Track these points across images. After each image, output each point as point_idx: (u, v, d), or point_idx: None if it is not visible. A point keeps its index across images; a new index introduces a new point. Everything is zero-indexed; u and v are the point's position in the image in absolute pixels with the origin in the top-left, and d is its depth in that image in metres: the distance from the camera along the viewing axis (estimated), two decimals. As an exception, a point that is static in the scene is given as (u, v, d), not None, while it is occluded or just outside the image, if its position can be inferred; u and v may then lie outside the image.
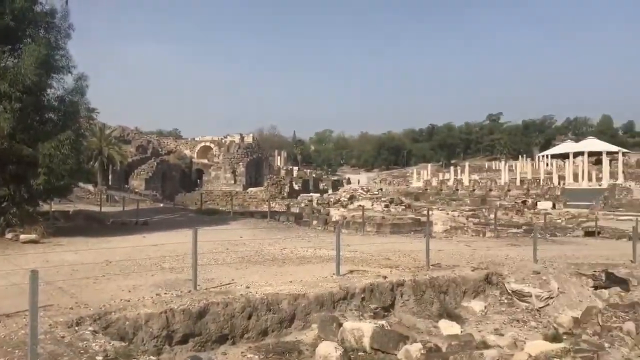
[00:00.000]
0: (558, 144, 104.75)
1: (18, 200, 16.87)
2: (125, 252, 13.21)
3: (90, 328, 7.14)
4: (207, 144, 71.13)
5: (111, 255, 12.80)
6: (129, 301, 8.43)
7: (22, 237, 15.70)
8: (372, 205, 37.42)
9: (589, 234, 25.54)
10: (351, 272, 11.67)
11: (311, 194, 51.12)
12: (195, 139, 74.82)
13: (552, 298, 11.90)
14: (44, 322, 6.90)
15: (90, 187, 42.73)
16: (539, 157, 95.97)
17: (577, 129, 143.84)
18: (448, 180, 71.86)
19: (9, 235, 16.17)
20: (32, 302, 5.47)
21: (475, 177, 75.20)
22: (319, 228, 25.63)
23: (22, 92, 16.16)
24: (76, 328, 7.06)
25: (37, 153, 16.48)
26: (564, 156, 77.64)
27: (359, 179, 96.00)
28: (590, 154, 71.10)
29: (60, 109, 18.39)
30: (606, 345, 8.32)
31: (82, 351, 6.31)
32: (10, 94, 15.96)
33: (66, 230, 19.32)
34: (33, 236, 15.85)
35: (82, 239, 16.90)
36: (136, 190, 50.85)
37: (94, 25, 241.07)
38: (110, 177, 50.54)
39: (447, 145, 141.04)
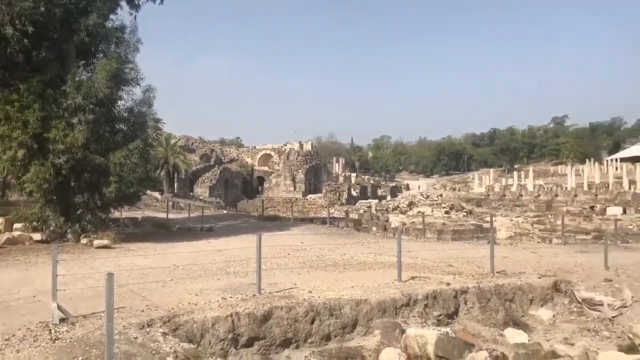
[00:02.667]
0: (628, 147, 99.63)
1: (92, 207, 17.71)
2: (192, 257, 13.65)
3: (161, 330, 7.40)
4: (268, 151, 72.24)
5: (178, 260, 13.24)
6: (196, 304, 8.68)
7: (96, 242, 16.47)
8: (432, 211, 36.87)
9: (665, 240, 24.14)
10: (413, 278, 11.57)
11: (369, 200, 50.90)
12: (256, 147, 76.14)
13: (625, 307, 11.35)
14: (118, 323, 7.20)
15: (157, 194, 44.34)
16: (607, 160, 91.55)
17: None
18: (511, 185, 69.78)
19: (84, 241, 17.01)
20: (108, 304, 5.72)
21: (539, 182, 72.68)
22: (379, 234, 25.50)
23: (95, 104, 17.06)
24: (148, 329, 7.33)
25: (108, 162, 17.28)
26: (634, 159, 73.65)
27: (418, 185, 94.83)
28: (664, 156, 67.28)
29: (129, 120, 19.24)
30: (687, 357, 7.90)
31: (153, 352, 6.56)
32: (85, 107, 16.87)
33: (136, 236, 20.11)
34: (105, 242, 16.59)
35: (150, 245, 17.55)
36: (200, 197, 52.30)
37: (157, 37, 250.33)
38: (175, 184, 52.29)
39: (510, 149, 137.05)
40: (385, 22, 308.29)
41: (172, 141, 52.72)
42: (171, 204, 40.29)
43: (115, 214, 22.45)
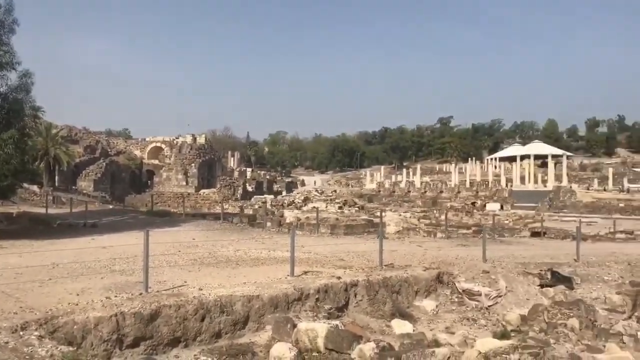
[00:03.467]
0: (506, 147, 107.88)
1: (-43, 201, 16.14)
2: (73, 255, 12.83)
3: (36, 333, 6.91)
4: (158, 144, 69.64)
5: (58, 258, 12.38)
6: (77, 304, 8.18)
7: (-38, 239, 15.02)
8: (326, 207, 37.49)
9: (535, 234, 26.38)
10: (305, 273, 11.70)
11: (265, 195, 50.84)
12: (146, 139, 73.15)
13: (500, 296, 12.26)
14: (-14, 327, 6.63)
15: (35, 188, 41.19)
16: (487, 159, 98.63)
17: (524, 133, 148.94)
18: (400, 182, 73.00)
19: (-53, 238, 15.45)
20: (-26, 306, 5.23)
21: (426, 179, 76.69)
22: (273, 230, 25.52)
23: (-38, 88, 15.50)
24: (21, 333, 6.82)
25: (-22, 152, 15.81)
26: (511, 159, 80.00)
27: (313, 181, 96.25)
28: (537, 157, 73.57)
29: (3, 107, 17.69)
30: (552, 341, 8.67)
31: (27, 357, 6.11)
32: (-51, 91, 15.27)
33: (9, 232, 18.61)
34: (-27, 239, 15.17)
35: (26, 242, 16.29)
36: (84, 191, 49.28)
37: (37, 18, 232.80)
38: (57, 178, 48.78)
39: (400, 147, 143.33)
40: (282, 17, 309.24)
41: (53, 131, 49.04)
42: (51, 198, 37.58)
43: (-14, 208, 20.61)
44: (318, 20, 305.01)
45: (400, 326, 10.02)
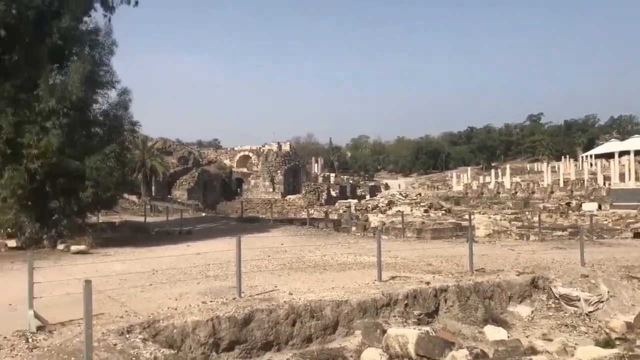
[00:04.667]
0: (602, 144, 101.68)
1: (68, 212, 17.49)
2: (171, 261, 13.52)
3: (140, 336, 7.33)
4: (246, 153, 72.05)
5: (157, 265, 13.11)
6: (176, 309, 8.61)
7: (73, 248, 16.24)
8: (411, 210, 37.07)
9: (638, 235, 24.66)
10: (393, 278, 11.64)
11: (349, 200, 51.05)
12: (235, 148, 75.88)
13: (602, 302, 11.58)
14: (97, 330, 7.11)
15: (134, 198, 43.89)
16: (582, 157, 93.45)
17: (621, 128, 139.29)
18: (489, 183, 70.74)
19: (60, 247, 16.76)
20: (87, 311, 5.66)
21: (516, 179, 73.78)
22: (358, 234, 25.58)
23: (69, 108, 16.79)
24: (127, 336, 7.26)
25: (84, 166, 17.05)
26: (608, 156, 75.26)
27: (397, 184, 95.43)
28: (637, 152, 68.72)
29: (105, 123, 19.04)
30: (661, 350, 8.08)
31: (133, 358, 6.51)
32: (59, 110, 16.59)
33: (113, 240, 19.87)
34: (82, 247, 16.37)
35: (128, 249, 17.37)
36: (179, 200, 51.89)
37: (133, 39, 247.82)
38: (153, 188, 51.76)
39: (487, 147, 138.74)
40: (361, 20, 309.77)
41: (149, 144, 52.18)
42: (149, 207, 39.89)
43: (92, 218, 22.17)
44: (396, 19, 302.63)
45: (494, 332, 9.72)
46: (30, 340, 6.97)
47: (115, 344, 6.87)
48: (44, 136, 16.31)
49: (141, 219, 31.34)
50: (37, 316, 7.52)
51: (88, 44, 18.58)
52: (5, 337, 7.08)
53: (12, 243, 17.14)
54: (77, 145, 17.51)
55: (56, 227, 17.44)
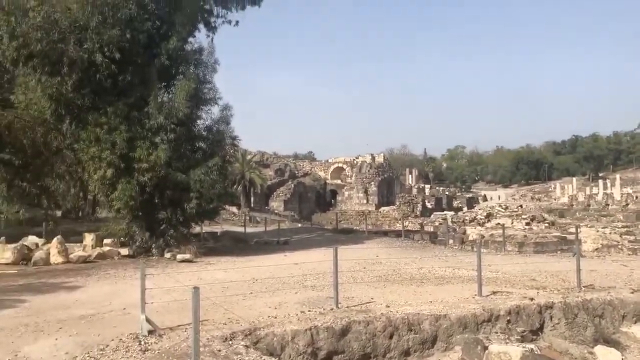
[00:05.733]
0: None
1: (174, 222, 18.47)
2: (269, 271, 13.90)
3: (243, 343, 7.56)
4: (340, 165, 72.58)
5: (257, 273, 13.52)
6: (275, 317, 8.81)
7: (179, 256, 17.12)
8: (512, 223, 35.54)
9: None
10: (494, 293, 11.21)
11: (445, 212, 49.92)
12: (329, 160, 76.73)
13: None
14: (202, 335, 7.40)
15: (234, 209, 45.66)
16: None
17: None
18: (596, 194, 66.46)
19: (167, 255, 17.74)
20: (195, 317, 5.93)
21: (628, 190, 68.65)
22: (456, 247, 24.90)
23: (176, 124, 17.87)
24: (230, 342, 7.52)
25: (189, 179, 17.98)
26: None
27: (498, 196, 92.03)
28: None
29: (208, 138, 19.99)
30: None
31: (236, 364, 6.74)
32: (166, 126, 17.69)
33: (215, 250, 20.73)
34: (187, 256, 17.22)
35: (229, 258, 18.05)
36: (275, 211, 53.28)
37: (231, 57, 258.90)
38: (252, 199, 53.59)
39: (594, 157, 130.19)
40: (449, 28, 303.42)
41: (248, 157, 54.19)
42: (248, 218, 41.24)
43: (196, 228, 23.24)
44: (491, 18, 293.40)
45: (606, 354, 9.06)
46: (142, 343, 7.42)
47: (219, 350, 7.14)
48: (153, 151, 17.45)
49: (241, 229, 32.40)
50: (148, 320, 8.01)
51: (193, 63, 19.67)
52: (121, 340, 7.58)
53: (124, 251, 18.38)
54: (183, 159, 18.52)
55: (164, 237, 18.49)
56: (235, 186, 45.65)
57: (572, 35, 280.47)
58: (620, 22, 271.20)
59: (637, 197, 58.17)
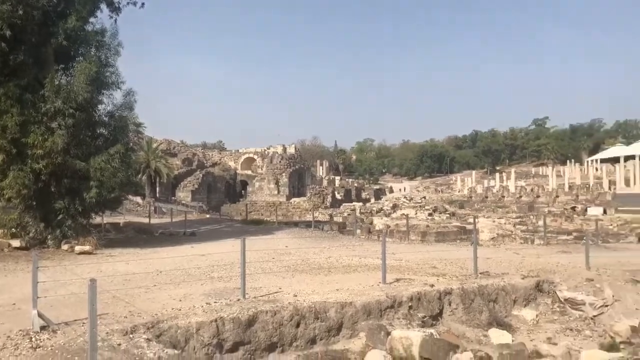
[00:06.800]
0: (607, 148, 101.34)
1: (72, 212, 17.45)
2: (175, 262, 13.52)
3: (144, 336, 7.30)
4: (251, 155, 72.08)
5: (161, 265, 13.11)
6: (180, 310, 8.59)
7: (77, 248, 16.25)
8: (416, 213, 37.06)
9: (643, 240, 24.52)
10: (397, 280, 11.59)
11: (353, 203, 51.01)
12: (239, 150, 75.95)
13: (607, 306, 11.50)
14: (101, 330, 7.09)
15: (139, 199, 43.95)
16: (587, 161, 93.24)
17: (627, 132, 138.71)
18: (493, 187, 70.63)
19: (64, 247, 16.75)
20: (92, 310, 5.64)
21: (521, 183, 73.69)
22: (363, 237, 25.53)
23: (75, 108, 16.83)
24: (131, 336, 7.23)
25: (89, 167, 17.08)
26: (614, 160, 75.13)
27: (403, 187, 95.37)
28: (643, 157, 68.43)
29: (110, 124, 19.05)
30: (668, 354, 8.01)
31: (137, 358, 6.48)
32: (64, 111, 16.63)
33: (117, 241, 19.91)
34: (87, 247, 16.38)
35: (132, 250, 17.38)
36: (183, 202, 51.92)
37: (137, 39, 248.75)
38: (157, 189, 51.83)
39: (492, 151, 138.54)
40: (369, 23, 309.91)
41: (154, 145, 52.22)
42: (153, 208, 39.93)
43: (97, 219, 22.18)
44: (406, 21, 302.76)
45: (499, 336, 9.65)
46: (33, 339, 6.95)
47: (119, 344, 6.84)
48: (49, 136, 16.37)
49: (145, 220, 31.38)
50: (40, 315, 7.52)
51: (94, 45, 18.61)
52: (9, 337, 7.06)
53: (16, 243, 17.11)
54: (82, 146, 17.54)
55: (60, 228, 17.44)
56: (139, 175, 43.87)
57: (476, 35, 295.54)
58: (514, 24, 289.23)
59: (529, 190, 62.40)
